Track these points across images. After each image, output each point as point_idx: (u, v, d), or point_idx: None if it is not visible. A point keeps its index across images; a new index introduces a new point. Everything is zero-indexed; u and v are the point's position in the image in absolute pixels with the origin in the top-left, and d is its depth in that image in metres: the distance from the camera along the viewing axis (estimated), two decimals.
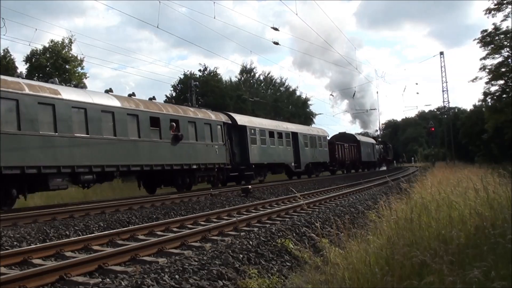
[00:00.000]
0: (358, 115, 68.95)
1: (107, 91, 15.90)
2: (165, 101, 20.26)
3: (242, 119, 23.23)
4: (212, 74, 48.61)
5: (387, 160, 54.92)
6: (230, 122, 21.71)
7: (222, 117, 21.36)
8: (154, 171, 16.33)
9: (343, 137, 41.28)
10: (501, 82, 32.60)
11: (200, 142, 18.88)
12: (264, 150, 24.19)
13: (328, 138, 36.63)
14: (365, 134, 67.53)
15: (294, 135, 28.46)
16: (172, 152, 17.18)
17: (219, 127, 20.52)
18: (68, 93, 13.82)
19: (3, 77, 12.14)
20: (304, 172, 29.79)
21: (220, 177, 20.55)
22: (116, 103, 15.28)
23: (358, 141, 42.78)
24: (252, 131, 23.30)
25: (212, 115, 20.67)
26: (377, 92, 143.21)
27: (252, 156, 22.62)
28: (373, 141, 50.32)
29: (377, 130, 75.30)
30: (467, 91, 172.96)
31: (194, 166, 18.33)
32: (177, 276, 4.43)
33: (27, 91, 12.31)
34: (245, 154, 22.29)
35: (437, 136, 61.23)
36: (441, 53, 49.47)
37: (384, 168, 51.35)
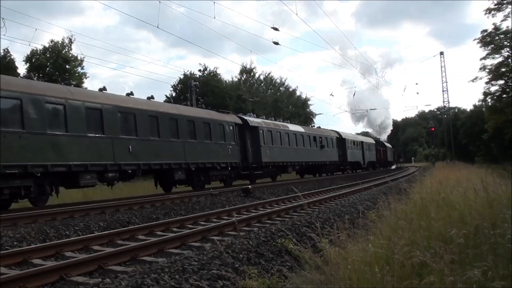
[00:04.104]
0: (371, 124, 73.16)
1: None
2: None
3: (344, 134, 39.19)
4: (212, 74, 48.56)
5: (395, 160, 67.46)
6: (338, 136, 37.51)
7: (335, 133, 37.48)
8: (314, 165, 31.87)
9: (377, 143, 54.02)
10: (501, 82, 32.64)
11: (329, 148, 34.51)
12: (352, 153, 39.93)
13: None
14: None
15: (362, 143, 44.12)
16: (320, 154, 32.56)
17: (334, 138, 36.53)
18: (292, 127, 29.32)
19: (248, 117, 23.94)
20: (365, 168, 43.98)
21: (334, 169, 36.46)
22: (302, 130, 30.74)
23: (386, 146, 56.87)
24: (348, 141, 39.10)
25: (332, 133, 37.04)
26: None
27: (348, 157, 38.54)
28: (390, 146, 62.45)
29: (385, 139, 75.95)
30: (467, 91, 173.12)
31: (327, 162, 34.02)
32: (177, 276, 4.42)
33: (270, 126, 26.02)
34: (345, 155, 37.93)
35: (437, 136, 61.30)
36: (441, 53, 49.59)
37: (393, 167, 59.32)
